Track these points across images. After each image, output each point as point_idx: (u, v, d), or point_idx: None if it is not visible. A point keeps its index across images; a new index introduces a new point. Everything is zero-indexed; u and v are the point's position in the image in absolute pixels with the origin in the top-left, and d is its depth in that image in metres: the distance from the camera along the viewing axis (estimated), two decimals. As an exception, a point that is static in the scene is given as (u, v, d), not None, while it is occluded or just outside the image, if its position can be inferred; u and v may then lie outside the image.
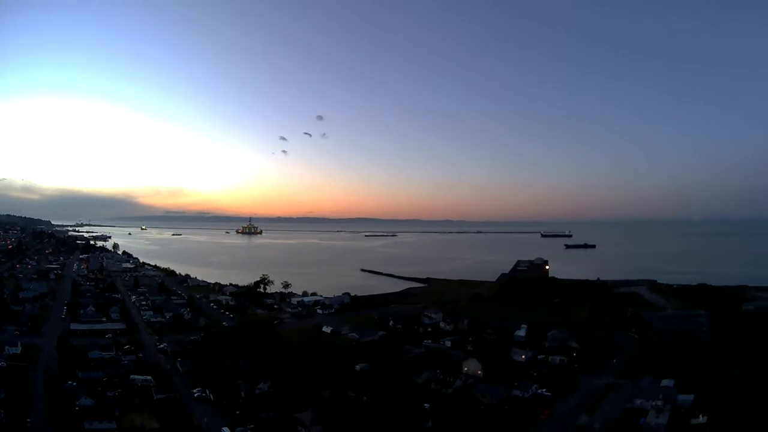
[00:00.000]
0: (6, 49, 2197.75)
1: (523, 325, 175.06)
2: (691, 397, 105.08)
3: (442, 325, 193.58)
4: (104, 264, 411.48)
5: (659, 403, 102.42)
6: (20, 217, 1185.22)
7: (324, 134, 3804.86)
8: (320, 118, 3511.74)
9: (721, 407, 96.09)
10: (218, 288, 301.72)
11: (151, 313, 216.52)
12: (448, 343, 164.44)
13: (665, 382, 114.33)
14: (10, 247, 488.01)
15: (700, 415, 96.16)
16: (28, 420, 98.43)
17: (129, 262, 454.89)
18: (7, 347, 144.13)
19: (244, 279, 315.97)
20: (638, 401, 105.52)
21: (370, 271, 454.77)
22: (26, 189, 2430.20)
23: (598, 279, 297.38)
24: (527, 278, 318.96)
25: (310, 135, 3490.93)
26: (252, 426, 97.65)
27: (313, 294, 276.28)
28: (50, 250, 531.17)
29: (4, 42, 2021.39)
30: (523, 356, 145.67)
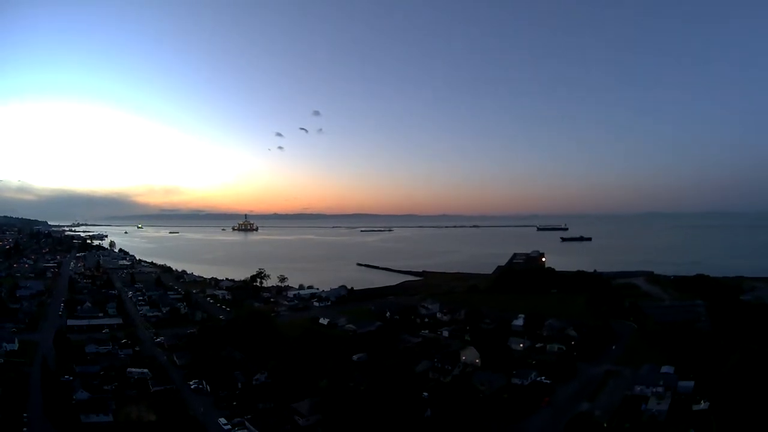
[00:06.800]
0: (1, 51, 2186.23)
1: (520, 315, 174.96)
2: (691, 383, 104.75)
3: (439, 315, 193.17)
4: (101, 261, 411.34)
5: (660, 389, 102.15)
6: (17, 218, 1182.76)
7: (320, 130, 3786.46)
8: (317, 113, 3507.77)
9: (723, 393, 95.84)
10: (215, 283, 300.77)
11: (148, 308, 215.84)
12: (446, 333, 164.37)
13: (665, 369, 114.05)
14: (7, 247, 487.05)
15: (702, 401, 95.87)
16: (24, 415, 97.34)
17: (125, 259, 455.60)
18: (4, 344, 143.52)
19: (240, 274, 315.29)
20: (638, 388, 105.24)
21: (366, 265, 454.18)
22: (22, 190, 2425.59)
23: (595, 271, 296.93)
24: (524, 269, 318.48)
25: (306, 131, 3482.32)
26: (249, 416, 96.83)
27: (310, 287, 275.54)
28: (47, 249, 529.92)
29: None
30: (521, 345, 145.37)
